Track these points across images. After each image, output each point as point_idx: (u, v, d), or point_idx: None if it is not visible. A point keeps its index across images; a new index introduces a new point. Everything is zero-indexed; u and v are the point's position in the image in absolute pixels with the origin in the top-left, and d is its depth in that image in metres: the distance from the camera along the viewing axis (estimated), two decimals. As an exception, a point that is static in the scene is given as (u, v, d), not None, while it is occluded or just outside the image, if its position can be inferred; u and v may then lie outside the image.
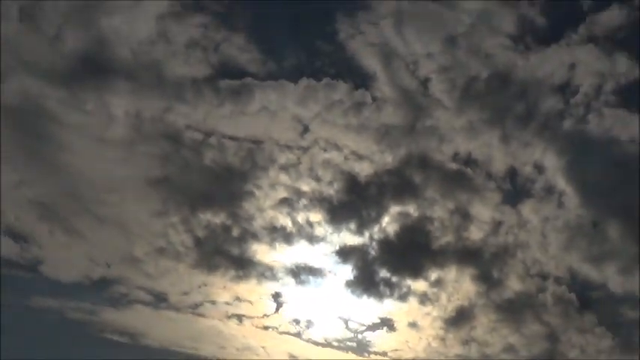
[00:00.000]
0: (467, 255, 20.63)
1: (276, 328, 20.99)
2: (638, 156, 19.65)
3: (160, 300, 20.52)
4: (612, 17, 19.30)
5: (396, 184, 20.57)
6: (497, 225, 20.59)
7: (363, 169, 20.72)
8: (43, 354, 19.51)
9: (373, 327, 21.60)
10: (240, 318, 20.88)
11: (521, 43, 19.50)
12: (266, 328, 21.05)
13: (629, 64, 19.36)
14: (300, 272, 20.85)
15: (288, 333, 21.11)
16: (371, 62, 20.58)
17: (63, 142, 19.55)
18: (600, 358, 19.77)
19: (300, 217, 20.76)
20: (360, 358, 20.96)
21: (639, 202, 19.59)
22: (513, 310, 20.22)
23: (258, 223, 20.49)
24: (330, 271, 21.03)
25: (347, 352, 21.32)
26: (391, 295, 20.84)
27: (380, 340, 21.50)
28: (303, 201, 20.65)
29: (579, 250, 20.34)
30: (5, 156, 19.51)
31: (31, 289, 20.24)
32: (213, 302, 20.76)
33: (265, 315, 21.06)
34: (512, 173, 20.57)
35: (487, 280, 20.47)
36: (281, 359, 20.79)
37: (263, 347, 20.86)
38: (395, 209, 20.84)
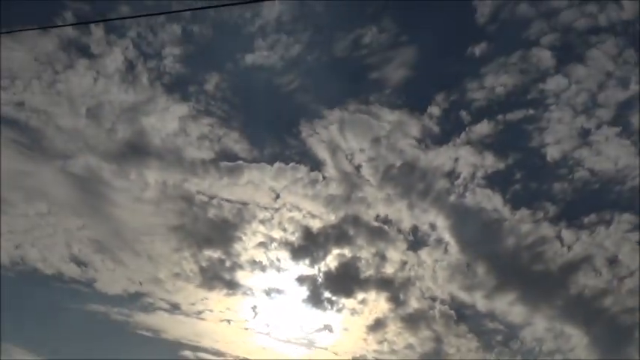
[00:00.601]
0: (383, 283, 28.49)
1: (253, 329, 29.24)
2: (498, 220, 28.45)
3: (175, 308, 28.31)
4: (483, 128, 27.99)
5: (336, 235, 28.39)
6: (403, 264, 28.60)
7: (315, 224, 28.44)
8: (96, 345, 27.97)
9: (318, 330, 29.40)
10: (229, 322, 28.88)
11: (423, 143, 27.89)
12: (246, 329, 29.18)
13: (494, 159, 28.28)
14: (271, 292, 28.77)
15: (261, 332, 29.22)
16: (322, 153, 28.27)
17: (113, 200, 27.44)
18: (469, 355, 28.78)
19: (272, 255, 28.50)
20: (309, 351, 29.29)
21: (498, 251, 28.61)
22: (412, 321, 28.43)
23: (243, 258, 28.34)
24: (291, 292, 28.91)
25: (300, 346, 29.51)
26: (331, 309, 28.74)
27: (323, 339, 29.39)
28: (274, 244, 28.41)
29: (457, 282, 28.45)
30: (74, 209, 28.01)
31: (87, 299, 27.83)
32: (211, 310, 28.53)
33: (246, 320, 29.10)
34: (414, 229, 28.46)
35: (396, 300, 28.51)
36: (256, 350, 29.34)
37: (244, 342, 29.24)
38: (335, 251, 28.57)
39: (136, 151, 27.54)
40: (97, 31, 26.30)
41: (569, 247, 27.79)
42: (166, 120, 27.52)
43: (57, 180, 27.81)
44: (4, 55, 25.54)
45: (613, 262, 27.65)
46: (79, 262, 27.75)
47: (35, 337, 27.56)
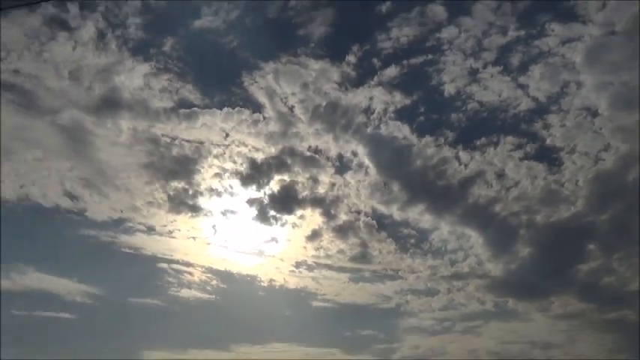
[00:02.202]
0: (316, 201, 34.14)
1: (214, 244, 34.82)
2: (407, 146, 33.76)
3: (150, 230, 33.84)
4: (391, 71, 33.37)
5: (277, 164, 33.73)
6: (332, 185, 34.07)
7: (259, 156, 33.63)
8: (89, 261, 34.05)
9: (267, 242, 35.18)
10: (194, 238, 34.58)
11: (343, 86, 33.15)
12: (208, 243, 34.86)
13: (401, 96, 33.73)
14: (226, 213, 34.30)
15: (220, 246, 34.93)
16: (262, 98, 33.40)
17: (95, 145, 32.69)
18: (389, 256, 34.70)
19: (225, 183, 33.69)
20: (260, 259, 35.24)
21: (408, 171, 34.09)
22: (342, 231, 34.28)
23: (202, 187, 33.76)
24: (242, 212, 34.26)
25: (253, 255, 35.39)
26: (276, 224, 34.42)
27: (270, 248, 35.23)
28: (227, 174, 33.60)
29: (377, 197, 34.31)
30: (64, 153, 33.59)
31: (80, 225, 33.38)
32: (179, 230, 34.30)
33: (208, 237, 34.64)
34: (340, 157, 33.87)
35: (328, 214, 34.29)
36: (217, 260, 34.75)
37: (207, 254, 34.94)
38: (277, 177, 33.89)
39: (111, 104, 32.18)
40: (73, 8, 31.24)
41: (466, 165, 33.69)
42: (133, 77, 32.39)
43: (48, 131, 32.16)
44: (2, 32, 30.87)
45: (501, 175, 33.67)
46: (72, 196, 33.06)
47: (39, 256, 33.65)
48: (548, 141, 32.60)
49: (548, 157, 33.09)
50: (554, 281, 34.06)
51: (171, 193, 33.71)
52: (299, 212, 34.32)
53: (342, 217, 34.37)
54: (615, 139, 31.31)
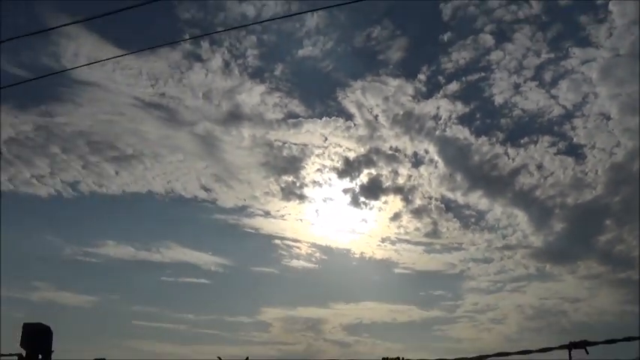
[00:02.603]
0: (397, 190, 39.63)
1: (317, 224, 41.74)
2: (467, 145, 41.16)
3: (267, 214, 39.96)
4: (453, 86, 41.40)
5: (365, 161, 38.90)
6: (409, 177, 39.65)
7: (351, 155, 38.19)
8: (220, 238, 42.40)
9: (358, 222, 41.97)
10: (301, 220, 40.73)
11: (415, 98, 41.28)
12: (312, 224, 41.38)
13: (462, 106, 41.71)
14: (326, 200, 39.47)
15: (322, 226, 42.67)
16: (352, 109, 38.41)
17: (223, 149, 40.17)
18: (454, 232, 42.61)
19: (325, 177, 39.30)
20: (353, 235, 42.11)
21: (468, 165, 41.73)
22: (418, 213, 40.34)
23: (307, 180, 39.19)
24: (339, 199, 39.75)
25: (347, 233, 42.53)
26: (365, 208, 40.02)
27: (361, 227, 41.50)
28: (326, 169, 38.92)
29: (444, 185, 40.64)
30: (200, 156, 41.62)
31: (213, 212, 40.43)
32: (290, 214, 39.99)
33: (311, 219, 41.20)
34: (415, 154, 39.49)
35: (406, 200, 39.94)
36: (319, 237, 41.75)
37: (311, 232, 41.50)
38: (366, 171, 38.99)
39: (235, 117, 38.47)
40: (205, 44, 38.10)
41: (513, 159, 39.44)
42: (252, 96, 38.39)
43: (187, 139, 38.58)
44: (152, 65, 38.85)
45: (540, 167, 39.41)
46: (206, 189, 39.32)
47: (182, 235, 42.05)
48: (575, 139, 37.94)
49: (575, 152, 38.61)
50: (580, 249, 41.10)
51: (283, 185, 39.31)
52: (383, 198, 40.31)
53: (417, 202, 40.23)
54: (624, 137, 37.29)
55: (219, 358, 6.24)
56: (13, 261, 33.62)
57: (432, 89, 38.99)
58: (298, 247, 40.25)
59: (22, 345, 6.07)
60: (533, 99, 38.69)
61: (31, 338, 6.01)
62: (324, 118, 38.42)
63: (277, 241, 40.24)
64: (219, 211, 39.77)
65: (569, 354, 5.51)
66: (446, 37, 38.89)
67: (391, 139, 39.21)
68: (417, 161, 39.27)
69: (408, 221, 40.86)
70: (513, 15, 37.63)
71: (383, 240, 40.66)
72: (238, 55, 38.42)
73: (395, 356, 5.89)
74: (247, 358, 6.20)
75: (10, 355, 6.09)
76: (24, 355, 6.05)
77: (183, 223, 42.08)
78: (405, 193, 39.76)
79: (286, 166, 39.06)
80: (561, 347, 5.58)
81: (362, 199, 39.22)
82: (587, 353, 5.39)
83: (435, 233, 40.82)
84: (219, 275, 40.74)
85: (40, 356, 6.09)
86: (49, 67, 34.24)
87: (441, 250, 40.50)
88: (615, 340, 5.49)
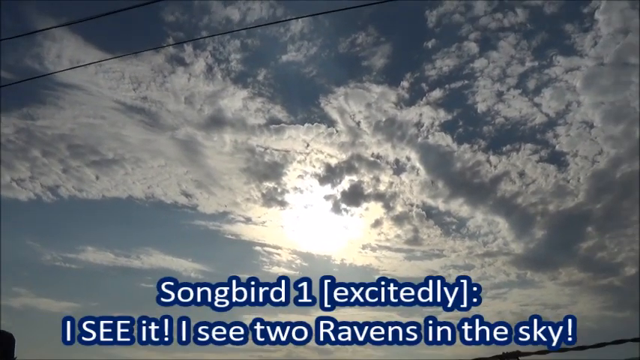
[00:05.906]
0: (378, 196, 39.43)
1: (298, 230, 40.65)
2: (449, 152, 41.93)
3: (248, 220, 39.89)
4: (436, 94, 41.95)
5: (347, 167, 38.69)
6: (391, 183, 39.23)
7: (333, 161, 38.83)
8: (200, 244, 42.62)
9: (339, 229, 40.68)
10: (282, 227, 40.00)
11: (397, 105, 41.87)
12: (293, 231, 40.26)
13: (444, 113, 42.25)
14: (307, 206, 39.36)
15: (303, 232, 40.78)
16: (334, 115, 37.89)
17: (204, 154, 40.95)
18: (436, 239, 43.12)
19: (307, 183, 38.90)
20: (334, 241, 40.78)
21: (450, 172, 42.33)
22: (399, 220, 39.88)
23: (288, 186, 38.46)
24: (320, 206, 39.42)
25: (327, 239, 41.12)
26: (346, 215, 39.70)
27: (342, 234, 40.29)
28: (308, 176, 38.76)
29: (426, 193, 40.10)
30: (181, 161, 41.79)
31: (193, 217, 40.09)
32: (271, 220, 39.64)
33: (293, 225, 40.19)
34: (397, 161, 39.07)
35: (387, 207, 39.66)
36: (299, 243, 41.56)
37: (292, 239, 40.50)
38: (347, 178, 38.45)
39: (217, 122, 37.26)
40: (188, 48, 37.24)
41: (495, 167, 39.01)
42: (234, 101, 37.27)
43: (169, 144, 37.24)
44: (134, 68, 38.64)
45: (522, 174, 38.95)
46: (187, 195, 38.23)
47: (162, 241, 41.01)
48: (557, 147, 37.63)
49: (557, 159, 37.95)
50: (561, 256, 40.20)
51: (264, 191, 38.64)
52: (364, 205, 39.68)
53: (399, 209, 39.74)
54: (607, 145, 37.23)
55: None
56: (-7, 266, 33.04)
57: (415, 96, 39.19)
58: (279, 254, 39.40)
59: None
60: (516, 107, 38.86)
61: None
62: (306, 124, 38.60)
63: (258, 248, 39.47)
64: (199, 217, 39.04)
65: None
66: (430, 44, 38.95)
67: (373, 145, 39.44)
68: (398, 168, 39.45)
69: (389, 228, 40.88)
70: (499, 23, 37.63)
71: (364, 247, 40.13)
72: (222, 59, 38.11)
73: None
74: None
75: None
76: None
77: (164, 229, 41.51)
78: (386, 200, 39.90)
79: (268, 172, 38.58)
80: (494, 358, 5.53)
81: (343, 205, 38.85)
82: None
83: (415, 240, 40.72)
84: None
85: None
86: (32, 69, 33.73)
87: (422, 257, 39.93)
88: (547, 351, 5.45)
